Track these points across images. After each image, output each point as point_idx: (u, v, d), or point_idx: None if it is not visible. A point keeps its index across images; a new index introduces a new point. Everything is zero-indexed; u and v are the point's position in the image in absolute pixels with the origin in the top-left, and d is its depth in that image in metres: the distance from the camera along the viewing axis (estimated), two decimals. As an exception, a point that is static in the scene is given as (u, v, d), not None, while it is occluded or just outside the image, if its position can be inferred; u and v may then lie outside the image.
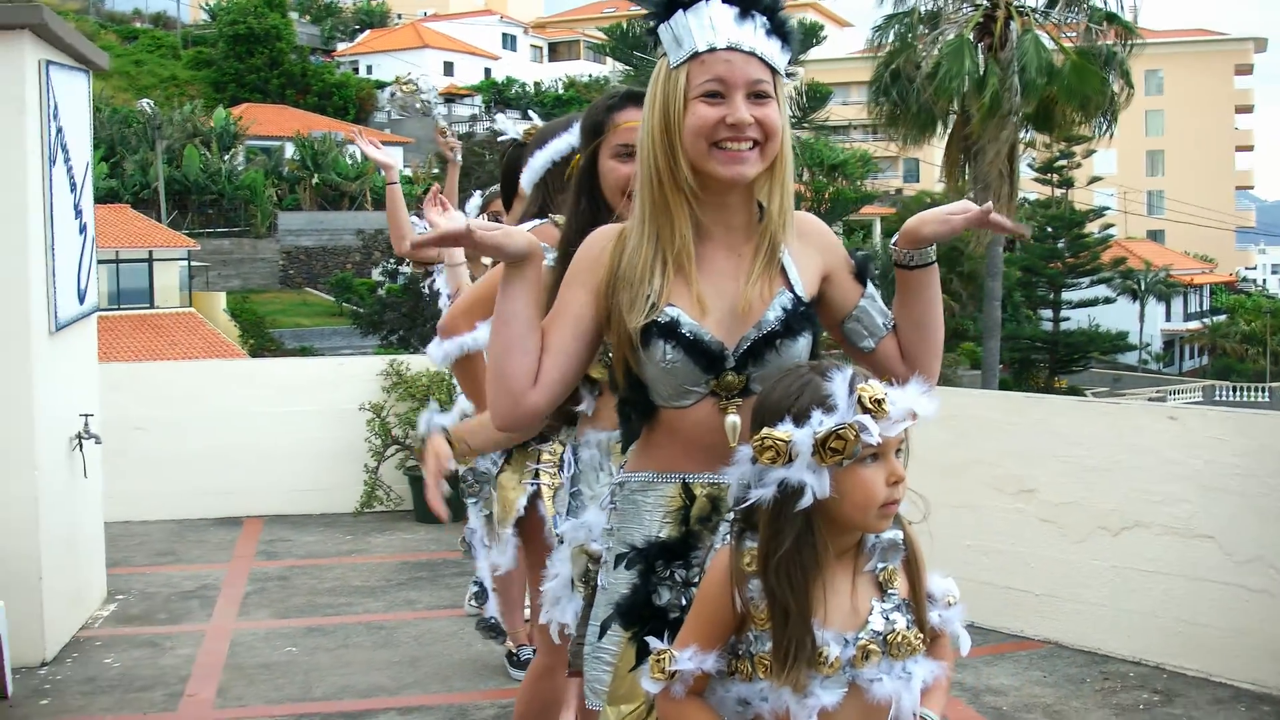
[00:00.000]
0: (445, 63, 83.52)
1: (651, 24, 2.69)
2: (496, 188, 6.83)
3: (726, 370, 2.59)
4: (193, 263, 49.69)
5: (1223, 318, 73.29)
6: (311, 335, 47.81)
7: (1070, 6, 28.69)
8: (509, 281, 2.55)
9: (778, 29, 2.65)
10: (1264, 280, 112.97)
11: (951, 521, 6.94)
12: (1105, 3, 28.24)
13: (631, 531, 2.69)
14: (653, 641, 2.48)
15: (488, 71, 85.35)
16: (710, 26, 2.58)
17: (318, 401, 10.36)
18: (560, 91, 79.65)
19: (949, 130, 29.52)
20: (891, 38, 29.64)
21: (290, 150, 63.61)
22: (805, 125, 36.86)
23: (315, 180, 61.62)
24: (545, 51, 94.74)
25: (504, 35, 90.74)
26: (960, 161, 29.50)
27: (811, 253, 2.77)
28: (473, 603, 6.47)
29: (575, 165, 3.54)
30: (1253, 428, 6.25)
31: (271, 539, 9.44)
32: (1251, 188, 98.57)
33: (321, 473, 10.21)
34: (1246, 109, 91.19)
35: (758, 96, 2.59)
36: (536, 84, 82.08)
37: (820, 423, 2.29)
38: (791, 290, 2.68)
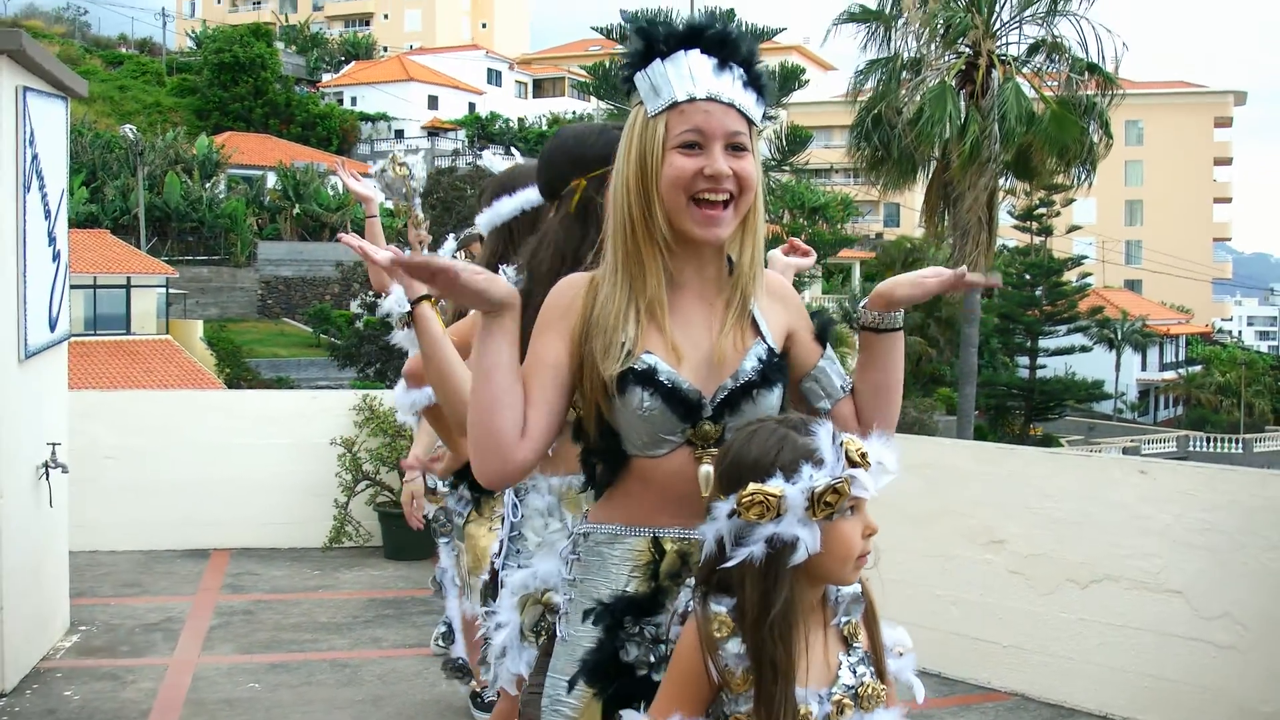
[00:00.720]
0: (430, 96, 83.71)
1: (628, 72, 2.67)
2: (474, 229, 6.83)
3: (703, 419, 2.58)
4: (171, 290, 49.58)
5: (1198, 368, 73.62)
6: (288, 366, 47.67)
7: (1051, 56, 28.86)
8: (490, 331, 2.46)
9: (754, 81, 2.65)
10: (1239, 332, 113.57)
11: (921, 571, 6.93)
12: (1086, 53, 28.39)
13: (596, 585, 2.65)
14: (630, 716, 2.48)
15: (472, 106, 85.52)
16: (689, 77, 2.57)
17: (289, 434, 10.31)
18: (544, 128, 79.83)
19: (929, 176, 29.63)
20: (874, 83, 29.75)
21: (272, 180, 63.60)
22: (786, 168, 36.83)
23: (296, 210, 61.61)
24: (530, 88, 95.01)
25: (489, 70, 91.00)
26: (940, 207, 29.58)
27: (778, 309, 2.78)
28: (440, 642, 6.45)
29: (579, 192, 3.45)
30: (1222, 483, 6.26)
31: (239, 572, 9.38)
32: (1229, 239, 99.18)
33: (291, 506, 10.16)
34: (1225, 161, 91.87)
35: (735, 148, 2.59)
36: (520, 120, 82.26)
37: (811, 477, 2.28)
38: (764, 341, 2.68)
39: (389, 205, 7.25)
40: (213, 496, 10.07)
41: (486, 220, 4.29)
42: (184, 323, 49.61)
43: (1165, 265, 75.18)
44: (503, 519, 5.12)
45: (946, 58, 28.74)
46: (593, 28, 33.47)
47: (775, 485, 2.29)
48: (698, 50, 2.60)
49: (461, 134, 78.84)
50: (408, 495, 5.45)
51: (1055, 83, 29.26)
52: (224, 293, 57.03)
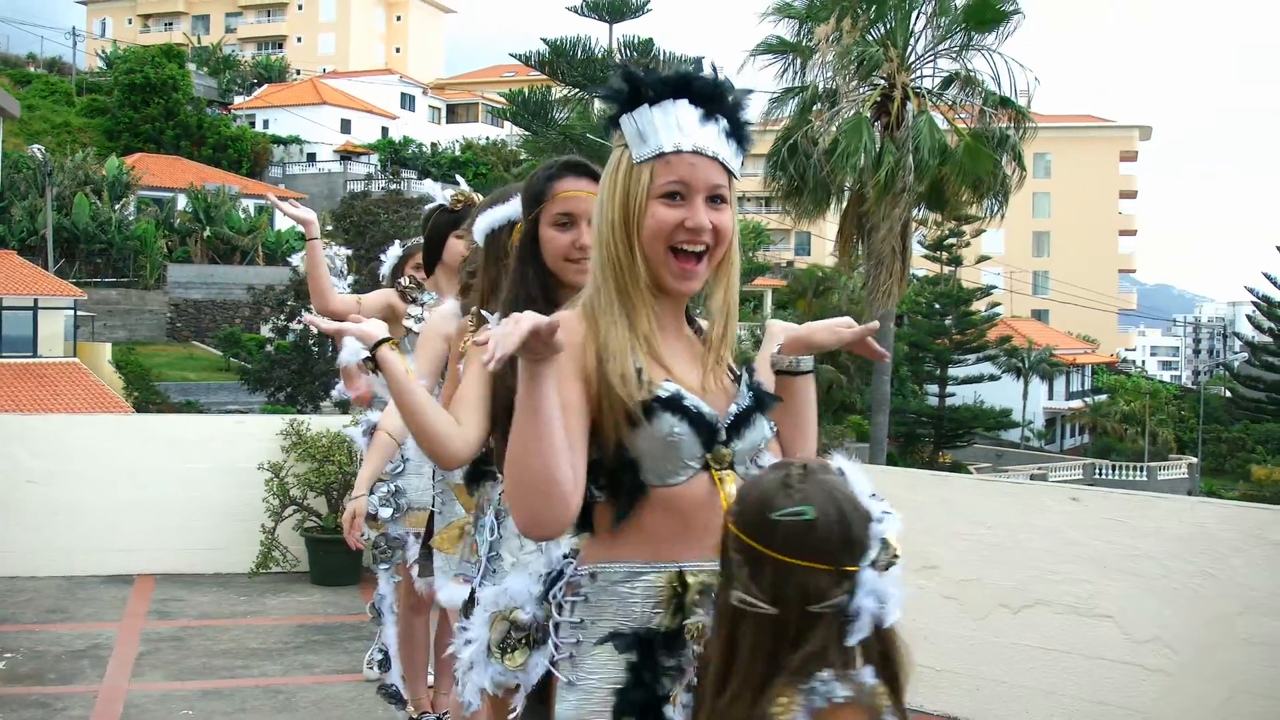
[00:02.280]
0: (343, 120, 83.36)
1: (613, 113, 2.69)
2: (418, 241, 6.84)
3: (719, 443, 2.64)
4: (79, 312, 48.91)
5: (1103, 397, 74.67)
6: (198, 390, 47.22)
7: (965, 89, 29.20)
8: (544, 378, 2.35)
9: (736, 131, 2.69)
10: (1143, 362, 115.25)
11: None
12: (999, 87, 28.76)
13: (611, 621, 2.62)
14: None
15: (385, 130, 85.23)
16: (677, 127, 2.61)
17: (215, 459, 10.23)
18: (457, 153, 79.76)
19: (844, 205, 29.86)
20: (788, 112, 29.95)
21: (183, 202, 63.01)
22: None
23: (207, 233, 61.07)
24: (443, 113, 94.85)
25: (403, 95, 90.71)
26: (854, 236, 29.81)
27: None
28: (374, 669, 6.45)
29: (517, 233, 3.56)
30: (1151, 510, 6.39)
31: (164, 598, 9.28)
32: (1133, 271, 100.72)
33: (217, 532, 10.07)
34: (1130, 194, 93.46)
35: (715, 200, 2.64)
36: (433, 145, 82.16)
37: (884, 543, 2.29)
38: (744, 371, 2.80)
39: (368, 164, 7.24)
40: (137, 521, 9.96)
41: (481, 227, 4.30)
42: (92, 345, 48.93)
43: (1071, 296, 76.19)
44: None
45: (861, 90, 28.99)
46: (511, 54, 33.45)
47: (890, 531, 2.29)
48: (686, 100, 2.64)
49: (374, 158, 78.55)
50: (349, 514, 5.42)
51: (968, 116, 29.59)
52: (133, 315, 56.39)
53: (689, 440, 2.59)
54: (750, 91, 2.76)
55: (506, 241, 4.33)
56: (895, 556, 2.27)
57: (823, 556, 2.21)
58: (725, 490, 2.60)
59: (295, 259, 6.79)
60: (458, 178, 6.12)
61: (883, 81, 28.93)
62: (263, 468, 9.87)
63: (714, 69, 2.73)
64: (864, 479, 2.35)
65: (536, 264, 3.47)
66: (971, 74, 29.07)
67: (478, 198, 6.06)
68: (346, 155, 78.67)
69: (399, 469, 6.03)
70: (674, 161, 2.60)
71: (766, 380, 2.87)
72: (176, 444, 10.33)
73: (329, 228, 51.65)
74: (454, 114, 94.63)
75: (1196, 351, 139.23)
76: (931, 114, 28.42)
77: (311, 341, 43.39)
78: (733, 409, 2.68)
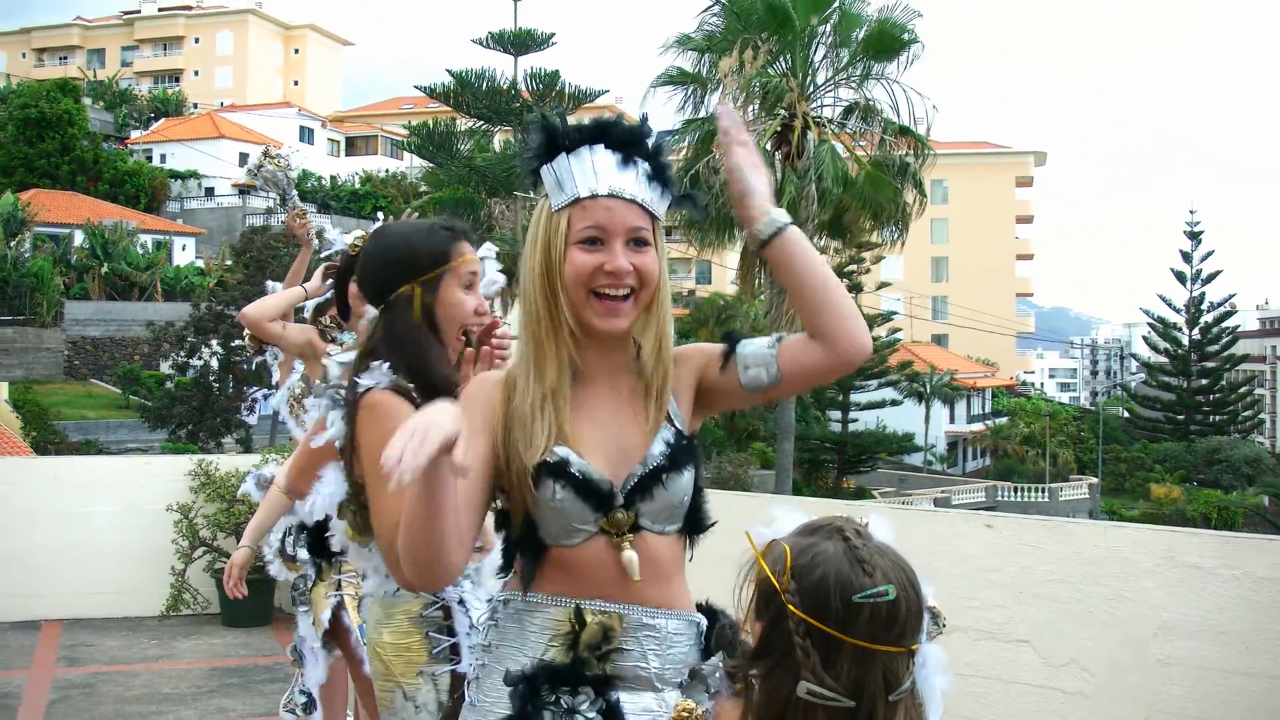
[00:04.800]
0: (241, 153, 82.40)
1: (533, 164, 2.70)
2: (330, 295, 6.81)
3: (615, 508, 2.61)
4: (-27, 352, 48.07)
5: (1004, 420, 75.53)
6: (97, 428, 46.47)
7: (865, 118, 29.51)
8: (442, 470, 2.29)
9: (659, 174, 2.68)
10: (1042, 384, 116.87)
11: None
12: (898, 116, 29.10)
13: (512, 652, 2.67)
14: None
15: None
16: (592, 172, 2.61)
17: (121, 501, 10.10)
18: (356, 185, 79.29)
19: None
20: (689, 143, 30.11)
21: (80, 238, 62.05)
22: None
23: (105, 269, 60.14)
24: (342, 145, 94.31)
25: (301, 128, 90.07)
26: (756, 265, 29.98)
27: (685, 373, 2.78)
28: (299, 711, 6.36)
29: (417, 299, 3.38)
30: (1064, 535, 6.47)
31: (73, 644, 9.13)
32: (1031, 295, 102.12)
33: (125, 574, 9.94)
34: (1027, 219, 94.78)
35: (637, 243, 2.63)
36: (333, 178, 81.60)
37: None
38: (673, 424, 2.71)
39: (268, 198, 7.24)
40: (42, 565, 9.81)
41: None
42: (-13, 385, 48.10)
43: (970, 320, 77.09)
44: (339, 584, 5.10)
45: (763, 120, 29.19)
46: (416, 86, 33.31)
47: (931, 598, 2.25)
48: (602, 145, 2.64)
49: (273, 192, 77.82)
50: (230, 566, 5.37)
51: (868, 144, 29.91)
52: (29, 353, 55.42)
53: (574, 506, 2.59)
54: (670, 133, 2.75)
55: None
56: (944, 625, 2.23)
57: (903, 638, 2.13)
58: (623, 557, 2.59)
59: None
60: (379, 214, 6.09)
61: (783, 112, 29.16)
62: (171, 509, 9.76)
63: (641, 119, 2.75)
64: (891, 534, 2.32)
65: (436, 331, 3.39)
66: (871, 103, 29.39)
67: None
68: (245, 190, 77.98)
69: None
70: (590, 206, 2.60)
71: (685, 410, 2.75)
72: (82, 486, 10.18)
73: (228, 262, 51.16)
74: (353, 146, 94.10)
75: (1094, 373, 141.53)
76: (833, 143, 28.67)
77: (212, 377, 42.93)
78: (637, 470, 2.63)
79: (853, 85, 29.72)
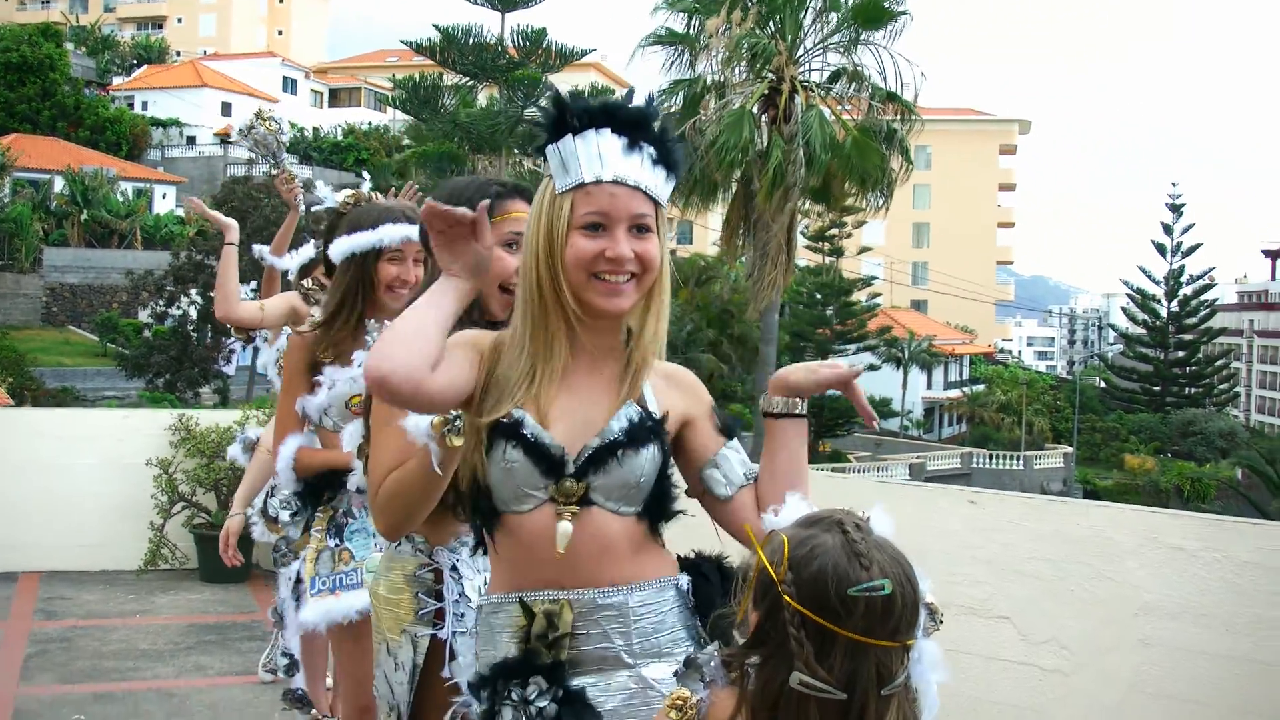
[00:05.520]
0: (223, 103, 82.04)
1: (540, 143, 2.69)
2: (315, 254, 6.76)
3: (566, 476, 2.61)
4: (-50, 296, 47.82)
5: (981, 387, 75.81)
6: (74, 375, 46.29)
7: (853, 84, 29.45)
8: (452, 287, 2.53)
9: (664, 158, 2.68)
10: (1019, 352, 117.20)
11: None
12: (885, 81, 29.05)
13: (487, 655, 2.74)
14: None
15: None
16: (598, 157, 2.60)
17: (100, 454, 10.05)
18: (339, 138, 78.90)
19: (731, 197, 29.98)
20: (678, 103, 30.03)
21: (60, 184, 61.65)
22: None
23: (84, 216, 59.78)
24: (325, 97, 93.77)
25: (285, 78, 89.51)
26: (740, 228, 29.97)
27: (676, 395, 2.80)
28: (280, 673, 6.34)
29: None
30: (1047, 514, 6.47)
31: (50, 596, 9.10)
32: (1011, 263, 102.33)
33: (104, 528, 9.89)
34: (1009, 188, 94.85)
35: (639, 230, 2.63)
36: (315, 129, 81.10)
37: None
38: (643, 407, 2.70)
39: (261, 163, 7.17)
40: (20, 517, 9.76)
41: (340, 250, 4.36)
42: (-37, 330, 47.87)
43: (950, 287, 77.23)
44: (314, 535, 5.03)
45: (750, 83, 29.11)
46: (403, 41, 33.15)
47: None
48: (609, 129, 2.63)
49: (264, 154, 77.31)
50: (224, 533, 5.32)
51: (855, 110, 29.86)
52: (7, 299, 55.15)
53: (524, 469, 2.59)
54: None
55: (372, 268, 4.38)
56: (941, 621, 2.23)
57: (897, 633, 2.12)
58: (558, 527, 2.59)
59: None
60: (364, 173, 6.02)
61: (771, 75, 29.08)
62: (151, 463, 9.71)
63: (647, 100, 2.74)
64: (892, 528, 2.29)
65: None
66: (859, 69, 29.32)
67: (377, 197, 6.02)
68: (227, 139, 77.50)
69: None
70: (594, 192, 2.59)
71: (661, 410, 2.74)
72: (63, 439, 10.13)
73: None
74: (336, 98, 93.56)
75: (1071, 342, 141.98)
76: (820, 108, 28.62)
77: (191, 327, 42.80)
78: (594, 442, 2.63)
79: (840, 50, 29.66)
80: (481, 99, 33.92)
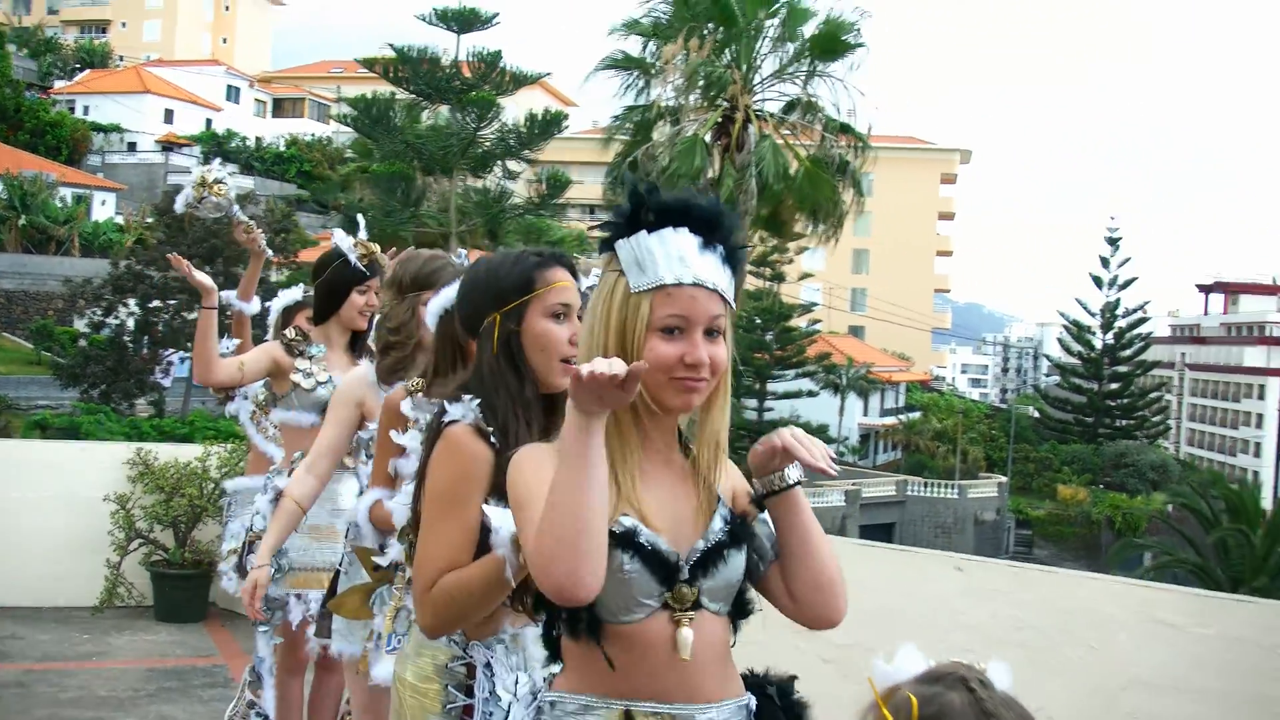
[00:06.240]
0: (166, 110, 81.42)
1: (609, 236, 2.61)
2: (301, 297, 6.63)
3: (680, 581, 2.53)
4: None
5: (917, 415, 76.17)
6: (7, 384, 45.60)
7: (806, 114, 29.50)
8: (598, 431, 2.33)
9: (731, 257, 2.61)
10: (954, 379, 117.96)
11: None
12: (839, 112, 29.14)
13: None
14: None
15: (209, 122, 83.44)
16: (678, 258, 2.52)
17: (54, 487, 9.81)
18: (282, 148, 78.43)
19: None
20: (629, 128, 30.02)
21: (-2, 188, 60.86)
22: (544, 212, 36.55)
23: (22, 221, 59.01)
24: (269, 106, 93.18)
25: (228, 87, 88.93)
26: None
27: (724, 483, 2.72)
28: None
29: (497, 329, 3.26)
30: (1033, 582, 6.44)
31: (3, 635, 8.86)
32: (948, 291, 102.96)
33: (59, 563, 9.65)
34: (948, 216, 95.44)
35: (711, 333, 2.55)
36: (258, 139, 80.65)
37: None
38: (723, 504, 2.64)
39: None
40: (-29, 551, 9.52)
41: (434, 310, 4.19)
42: (-105, 336, 47.14)
43: (888, 313, 77.61)
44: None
45: (704, 111, 29.14)
46: (359, 60, 32.98)
47: None
48: (686, 229, 2.55)
49: (197, 150, 76.84)
50: (250, 584, 5.09)
51: (809, 140, 29.93)
52: (-61, 305, 54.41)
53: (642, 579, 2.50)
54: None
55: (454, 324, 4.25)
56: None
57: None
58: (679, 634, 2.51)
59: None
60: (359, 220, 5.88)
61: (725, 103, 29.10)
62: (108, 499, 9.49)
63: (714, 198, 2.66)
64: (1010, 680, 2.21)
65: (517, 364, 3.25)
66: (813, 100, 29.39)
67: (376, 250, 5.89)
68: (169, 146, 76.88)
69: (282, 528, 5.79)
70: (675, 294, 2.52)
71: (727, 495, 2.69)
72: (13, 470, 9.88)
73: (149, 220, 50.29)
74: (280, 108, 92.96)
75: (1005, 370, 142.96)
76: (774, 139, 28.68)
77: (128, 337, 42.24)
78: (700, 544, 2.56)
79: (796, 80, 29.72)
80: (425, 117, 33.69)
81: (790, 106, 29.81)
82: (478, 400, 3.16)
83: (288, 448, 5.92)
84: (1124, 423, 75.96)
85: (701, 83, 28.51)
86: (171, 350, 40.11)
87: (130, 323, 42.31)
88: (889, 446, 76.75)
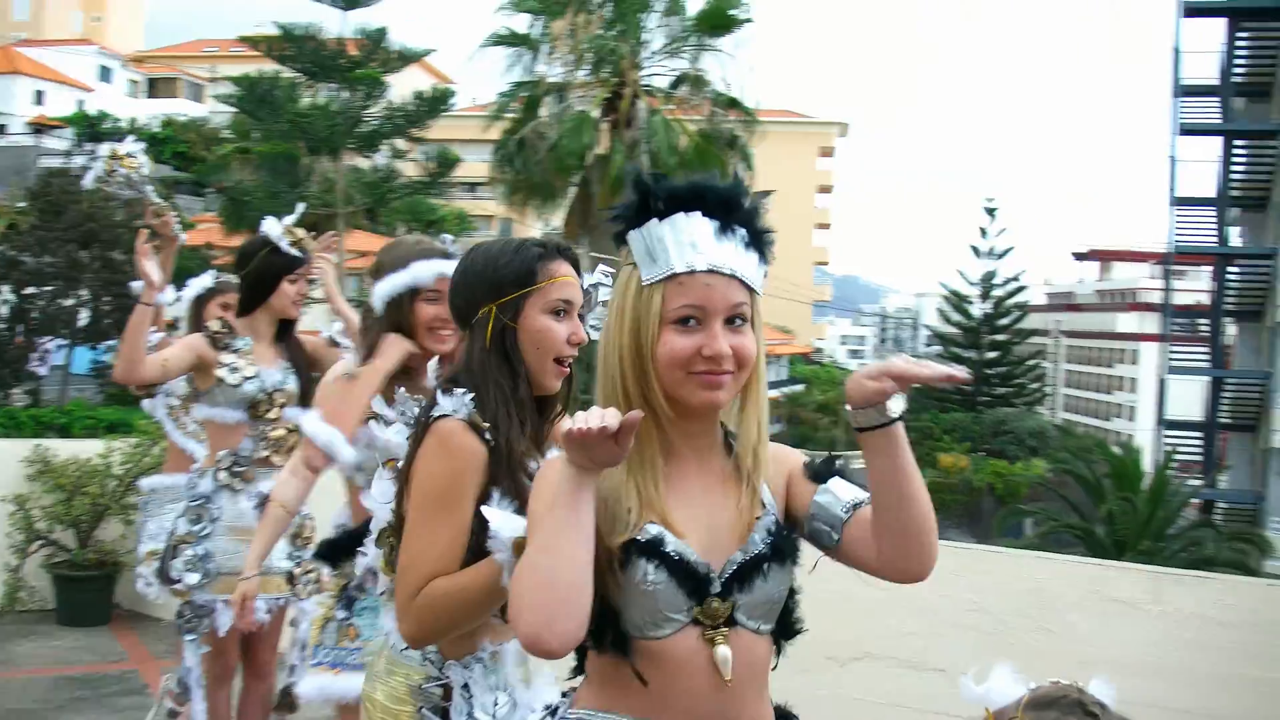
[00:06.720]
0: (36, 91, 79.51)
1: (619, 227, 2.44)
2: (227, 279, 6.34)
3: (712, 595, 2.34)
4: None
5: (800, 388, 76.69)
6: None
7: (694, 89, 29.46)
8: (589, 486, 2.21)
9: (755, 240, 2.43)
10: (833, 351, 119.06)
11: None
12: (728, 87, 29.15)
13: None
14: None
15: (81, 103, 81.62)
16: (691, 245, 2.36)
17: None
18: (156, 129, 76.95)
19: (570, 201, 29.86)
20: (516, 106, 29.81)
21: None
22: (434, 192, 36.03)
23: (-116, 208, 57.48)
24: (144, 86, 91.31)
25: (101, 67, 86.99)
26: (578, 232, 29.84)
27: (772, 475, 2.52)
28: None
29: (491, 322, 3.04)
30: (986, 564, 6.37)
31: (-104, 648, 8.46)
32: (827, 264, 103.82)
33: (-48, 568, 9.24)
34: (827, 189, 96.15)
35: (735, 320, 2.39)
36: (132, 120, 79.03)
37: None
38: (771, 513, 2.45)
39: (121, 196, 6.65)
40: None
41: (380, 295, 4.13)
42: None
43: (770, 288, 77.92)
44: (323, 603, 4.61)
45: (592, 87, 28.99)
46: (241, 38, 32.30)
47: None
48: (699, 213, 2.37)
49: (70, 132, 75.17)
50: (238, 596, 4.76)
51: (694, 113, 29.92)
52: None
53: (668, 591, 2.32)
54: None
55: (409, 310, 4.08)
56: None
57: None
58: (716, 652, 2.34)
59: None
60: (298, 207, 5.60)
61: (614, 79, 28.95)
62: (5, 499, 9.09)
63: (735, 177, 2.48)
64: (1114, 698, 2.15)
65: (512, 362, 3.03)
66: (701, 74, 29.36)
67: (305, 235, 5.61)
68: (40, 128, 75.08)
69: (206, 530, 5.50)
70: (687, 283, 2.36)
71: (779, 505, 2.49)
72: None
73: (21, 205, 49.06)
74: (155, 88, 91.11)
75: (883, 340, 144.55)
76: (664, 115, 28.63)
77: (1, 326, 41.19)
78: (737, 556, 2.38)
79: (684, 55, 29.64)
80: (311, 96, 33.18)
81: (679, 82, 29.74)
82: (471, 395, 2.95)
83: (212, 445, 5.63)
84: (1003, 390, 77.01)
85: (591, 57, 28.33)
86: (48, 338, 39.12)
87: (4, 310, 41.26)
88: (773, 420, 76.97)
